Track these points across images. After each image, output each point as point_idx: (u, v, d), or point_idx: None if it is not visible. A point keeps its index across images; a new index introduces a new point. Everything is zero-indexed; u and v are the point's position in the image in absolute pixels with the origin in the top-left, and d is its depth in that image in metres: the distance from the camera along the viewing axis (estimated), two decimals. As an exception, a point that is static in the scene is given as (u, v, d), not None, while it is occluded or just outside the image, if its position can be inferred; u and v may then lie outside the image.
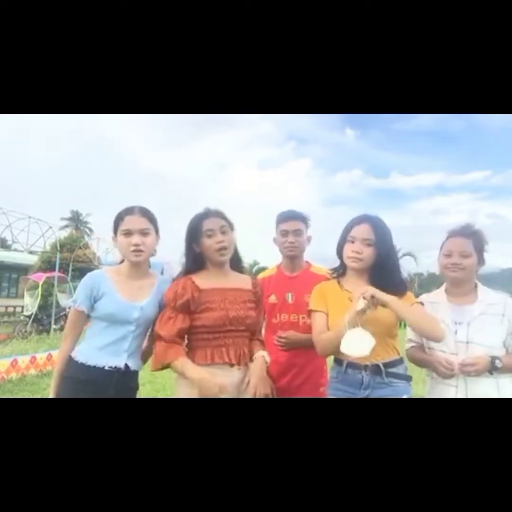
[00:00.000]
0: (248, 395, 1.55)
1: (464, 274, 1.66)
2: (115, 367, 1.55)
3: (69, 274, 11.23)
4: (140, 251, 1.58)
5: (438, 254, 1.76)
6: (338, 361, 1.63)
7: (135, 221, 1.60)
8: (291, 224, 2.04)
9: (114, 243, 1.67)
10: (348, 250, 1.61)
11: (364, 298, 1.44)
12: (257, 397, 1.55)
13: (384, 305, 1.46)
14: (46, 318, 10.42)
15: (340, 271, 1.72)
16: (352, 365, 1.56)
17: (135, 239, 1.58)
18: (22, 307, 11.69)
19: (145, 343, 1.75)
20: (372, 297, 1.45)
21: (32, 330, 9.74)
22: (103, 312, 1.58)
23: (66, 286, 11.02)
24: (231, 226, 1.63)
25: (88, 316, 1.64)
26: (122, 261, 1.71)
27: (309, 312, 1.72)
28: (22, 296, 11.92)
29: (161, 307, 1.65)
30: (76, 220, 37.51)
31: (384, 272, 1.59)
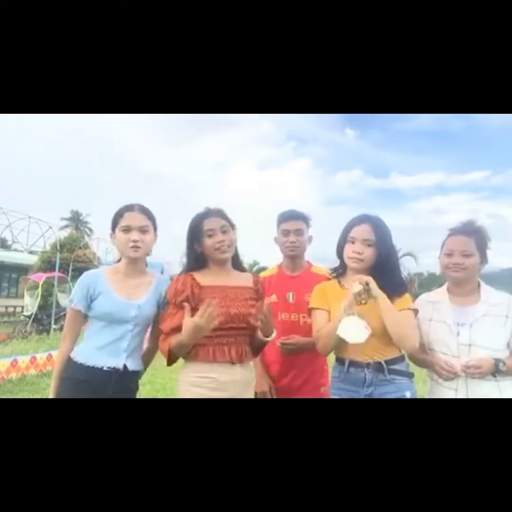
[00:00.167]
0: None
1: (466, 274, 1.62)
2: (114, 367, 1.55)
3: (69, 274, 11.24)
4: (138, 247, 1.59)
5: (439, 253, 1.72)
6: (339, 360, 1.64)
7: (135, 218, 1.61)
8: (293, 224, 2.04)
9: (112, 239, 1.67)
10: (348, 250, 1.61)
11: (360, 283, 1.48)
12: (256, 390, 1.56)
13: (374, 298, 1.50)
14: (46, 318, 10.42)
15: (340, 271, 1.72)
16: (354, 363, 1.57)
17: (134, 235, 1.59)
18: (22, 307, 11.69)
19: (146, 344, 1.75)
20: (367, 284, 1.48)
21: (32, 330, 9.74)
22: (100, 311, 1.58)
23: (66, 286, 11.01)
24: (231, 225, 1.64)
25: (86, 316, 1.64)
26: (118, 261, 1.71)
27: (310, 311, 1.72)
28: (22, 296, 11.92)
29: (159, 305, 1.65)
30: (76, 220, 37.49)
31: (384, 272, 1.59)
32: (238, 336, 1.58)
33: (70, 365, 1.58)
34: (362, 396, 1.54)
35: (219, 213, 1.63)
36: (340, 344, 1.55)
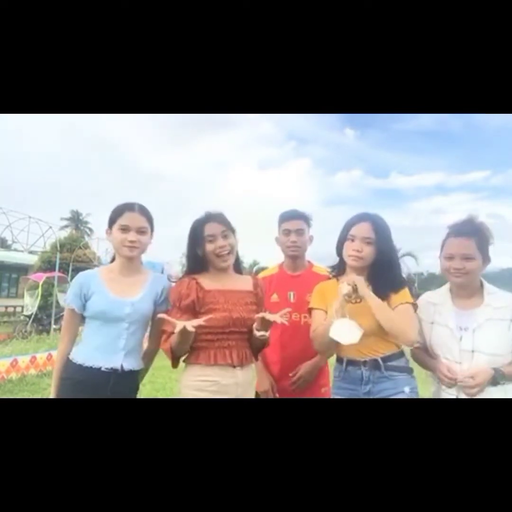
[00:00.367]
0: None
1: (468, 278, 1.55)
2: (112, 368, 1.54)
3: (69, 274, 11.23)
4: (135, 247, 1.60)
5: (439, 252, 1.66)
6: (339, 360, 1.65)
7: (135, 219, 1.61)
8: (294, 224, 2.05)
9: (107, 235, 1.67)
10: (348, 248, 1.61)
11: (348, 284, 1.49)
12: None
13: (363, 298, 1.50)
14: (46, 318, 10.42)
15: (340, 269, 1.72)
16: (352, 362, 1.58)
17: (132, 236, 1.59)
18: (22, 307, 11.69)
19: (146, 345, 1.75)
20: (355, 285, 1.49)
21: (32, 330, 9.73)
22: (94, 310, 1.58)
23: (66, 286, 10.98)
24: (232, 230, 1.64)
25: (83, 317, 1.64)
26: (112, 260, 1.72)
27: (309, 311, 1.73)
28: (22, 296, 11.92)
29: (156, 303, 1.65)
30: (76, 220, 37.50)
31: (383, 270, 1.59)
32: (239, 339, 1.59)
33: (69, 366, 1.58)
34: (361, 394, 1.55)
35: (220, 218, 1.64)
36: (337, 344, 1.55)
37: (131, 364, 1.59)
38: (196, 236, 1.62)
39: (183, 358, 1.60)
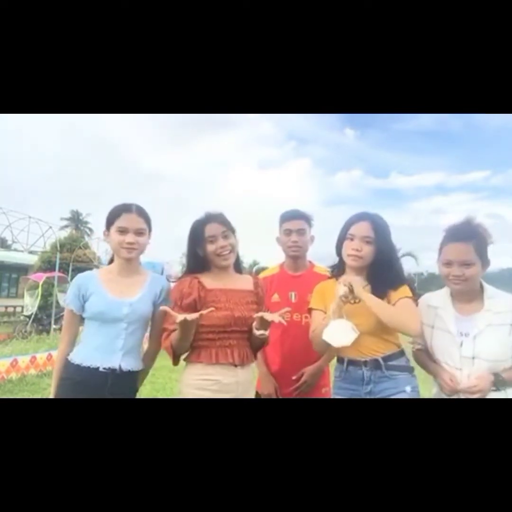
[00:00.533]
0: None
1: (467, 285, 1.53)
2: (109, 368, 1.54)
3: (69, 274, 11.23)
4: (133, 249, 1.60)
5: (437, 256, 1.63)
6: (340, 360, 1.65)
7: (132, 220, 1.61)
8: (295, 224, 2.05)
9: (105, 237, 1.67)
10: (347, 248, 1.61)
11: (344, 285, 1.48)
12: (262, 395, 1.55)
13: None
14: (46, 318, 10.42)
15: (339, 269, 1.72)
16: (353, 362, 1.58)
17: (130, 237, 1.59)
18: (22, 307, 11.68)
19: (146, 345, 1.75)
20: (351, 286, 1.48)
21: (32, 330, 9.73)
22: (92, 311, 1.58)
23: (66, 286, 10.96)
24: (232, 230, 1.65)
25: (82, 318, 1.64)
26: (111, 261, 1.72)
27: (309, 311, 1.73)
28: (22, 296, 11.92)
29: (154, 303, 1.65)
30: (76, 220, 37.50)
31: (382, 270, 1.58)
32: (240, 338, 1.59)
33: (68, 366, 1.58)
34: (362, 394, 1.55)
35: (220, 218, 1.64)
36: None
37: (129, 364, 1.59)
38: (197, 237, 1.63)
39: (183, 356, 1.60)
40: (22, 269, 17.20)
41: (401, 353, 1.60)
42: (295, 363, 2.02)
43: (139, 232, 1.61)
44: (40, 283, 10.47)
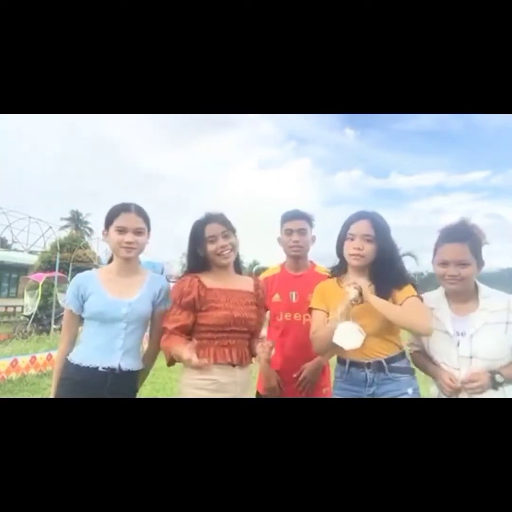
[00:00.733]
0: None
1: (463, 285, 1.55)
2: (109, 367, 1.54)
3: (69, 274, 11.22)
4: (132, 248, 1.60)
5: (432, 257, 1.65)
6: (341, 361, 1.64)
7: (131, 220, 1.61)
8: (296, 223, 2.05)
9: (104, 237, 1.67)
10: (349, 247, 1.60)
11: (354, 288, 1.48)
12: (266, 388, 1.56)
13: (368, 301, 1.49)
14: (46, 318, 10.41)
15: (340, 270, 1.71)
16: (355, 363, 1.57)
17: (129, 237, 1.59)
18: (22, 307, 11.68)
19: (146, 345, 1.75)
20: (361, 288, 1.48)
21: (32, 330, 9.72)
22: (91, 311, 1.58)
23: (66, 286, 10.90)
24: (232, 230, 1.65)
25: (81, 318, 1.64)
26: (110, 261, 1.72)
27: (310, 311, 1.72)
28: (22, 296, 11.91)
29: (154, 303, 1.66)
30: (76, 220, 37.51)
31: (384, 269, 1.58)
32: (239, 338, 1.60)
33: (68, 366, 1.58)
34: (364, 396, 1.54)
35: (220, 219, 1.64)
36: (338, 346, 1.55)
37: (129, 364, 1.59)
38: (197, 237, 1.63)
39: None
40: (22, 269, 17.20)
41: (403, 354, 1.60)
42: (296, 362, 2.01)
43: (138, 232, 1.61)
44: (40, 283, 10.46)
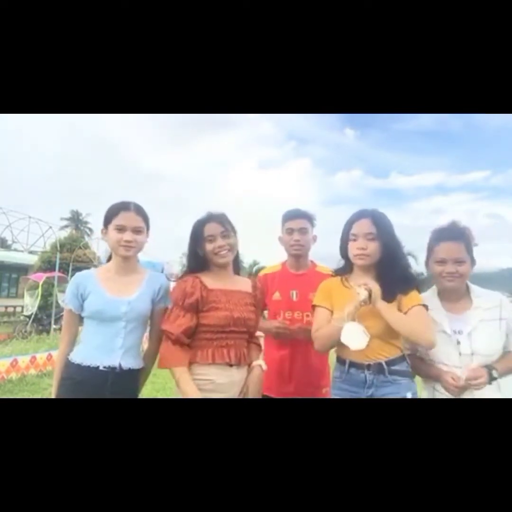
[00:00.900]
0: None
1: (460, 282, 1.60)
2: (109, 366, 1.54)
3: (69, 274, 11.20)
4: (131, 247, 1.60)
5: (426, 256, 1.69)
6: (340, 361, 1.63)
7: (130, 219, 1.61)
8: (297, 223, 2.05)
9: (103, 235, 1.67)
10: (352, 248, 1.59)
11: (365, 289, 1.47)
12: None
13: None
14: (46, 318, 10.41)
15: (345, 270, 1.69)
16: (355, 364, 1.56)
17: (128, 236, 1.59)
18: (22, 307, 11.68)
19: (146, 344, 1.75)
20: (371, 290, 1.47)
21: (32, 330, 9.73)
22: (91, 310, 1.58)
23: (66, 286, 10.91)
24: (232, 230, 1.65)
25: (81, 317, 1.64)
26: (109, 260, 1.72)
27: (313, 307, 1.71)
28: (22, 296, 11.91)
29: (153, 301, 1.65)
30: (76, 220, 37.54)
31: (390, 266, 1.57)
32: (237, 339, 1.60)
33: (68, 366, 1.58)
34: (363, 397, 1.53)
35: (220, 218, 1.64)
36: (341, 344, 1.54)
37: (129, 362, 1.59)
38: (197, 236, 1.63)
39: None
40: (22, 269, 17.20)
41: (403, 357, 1.59)
42: (296, 361, 2.01)
43: (137, 230, 1.61)
44: (40, 283, 10.46)
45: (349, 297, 1.55)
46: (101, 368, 1.54)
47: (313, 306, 1.70)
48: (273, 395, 2.02)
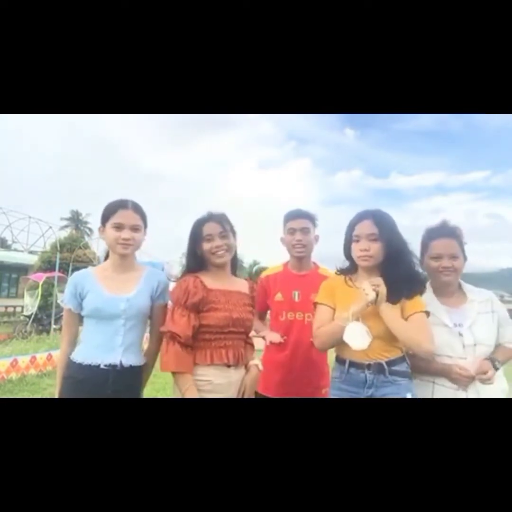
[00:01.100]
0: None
1: (456, 276, 1.67)
2: (110, 364, 1.54)
3: (69, 274, 11.20)
4: (129, 245, 1.60)
5: (420, 254, 1.73)
6: (340, 361, 1.63)
7: (128, 216, 1.60)
8: (299, 222, 2.05)
9: (100, 233, 1.67)
10: (356, 249, 1.59)
11: (373, 289, 1.47)
12: None
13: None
14: (46, 318, 10.41)
15: (350, 270, 1.69)
16: (355, 364, 1.56)
17: (126, 234, 1.59)
18: (22, 307, 11.68)
19: (146, 343, 1.75)
20: (378, 286, 1.48)
21: (32, 330, 9.72)
22: (90, 309, 1.59)
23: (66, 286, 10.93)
24: (231, 230, 1.65)
25: (81, 317, 1.64)
26: (106, 258, 1.72)
27: (315, 305, 1.70)
28: (22, 296, 11.91)
29: (152, 298, 1.65)
30: (76, 220, 37.58)
31: (395, 267, 1.56)
32: (235, 339, 1.60)
33: (70, 365, 1.58)
34: (362, 397, 1.53)
35: (219, 218, 1.64)
36: (341, 344, 1.54)
37: (130, 359, 1.59)
38: (196, 235, 1.64)
39: None
40: (22, 269, 17.21)
41: (403, 358, 1.59)
42: (297, 362, 2.01)
43: (135, 228, 1.61)
44: (40, 283, 10.46)
45: (352, 296, 1.55)
46: (102, 366, 1.54)
47: (315, 304, 1.69)
48: (273, 395, 2.02)
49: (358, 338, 1.47)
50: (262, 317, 2.26)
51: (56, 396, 1.60)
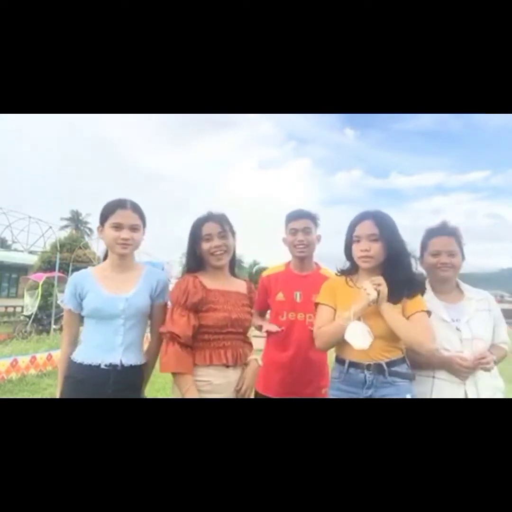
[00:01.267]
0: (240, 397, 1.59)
1: (454, 272, 1.74)
2: (110, 364, 1.54)
3: (69, 274, 11.19)
4: (128, 244, 1.60)
5: (420, 252, 1.79)
6: (340, 361, 1.62)
7: (127, 216, 1.60)
8: (301, 223, 2.05)
9: (99, 233, 1.66)
10: (356, 250, 1.59)
11: (375, 289, 1.48)
12: None
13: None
14: (46, 318, 10.41)
15: (350, 272, 1.69)
16: (355, 364, 1.56)
17: (125, 233, 1.59)
18: (22, 307, 11.68)
19: (147, 342, 1.75)
20: (379, 285, 1.49)
21: (32, 330, 9.72)
22: (89, 309, 1.59)
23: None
24: (231, 231, 1.65)
25: (81, 317, 1.64)
26: (105, 258, 1.72)
27: (316, 305, 1.70)
28: (22, 296, 11.91)
29: (152, 297, 1.65)
30: (76, 220, 37.60)
31: (396, 267, 1.56)
32: (234, 339, 1.61)
33: (70, 365, 1.59)
34: (362, 398, 1.53)
35: (219, 218, 1.64)
36: (341, 344, 1.54)
37: (131, 359, 1.59)
38: (195, 235, 1.64)
39: None
40: (22, 269, 17.21)
41: (403, 359, 1.59)
42: (299, 363, 2.01)
43: (133, 228, 1.61)
44: (40, 283, 10.46)
45: (353, 296, 1.55)
46: (102, 366, 1.54)
47: (316, 304, 1.69)
48: (273, 395, 2.02)
49: (359, 337, 1.47)
50: (261, 316, 2.26)
51: (57, 396, 1.61)
